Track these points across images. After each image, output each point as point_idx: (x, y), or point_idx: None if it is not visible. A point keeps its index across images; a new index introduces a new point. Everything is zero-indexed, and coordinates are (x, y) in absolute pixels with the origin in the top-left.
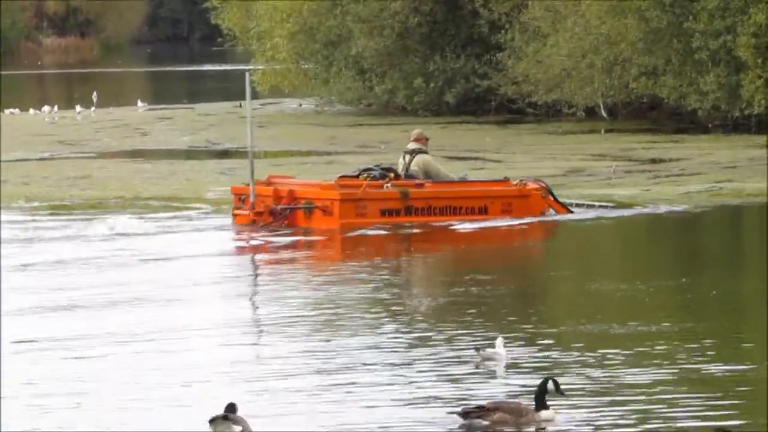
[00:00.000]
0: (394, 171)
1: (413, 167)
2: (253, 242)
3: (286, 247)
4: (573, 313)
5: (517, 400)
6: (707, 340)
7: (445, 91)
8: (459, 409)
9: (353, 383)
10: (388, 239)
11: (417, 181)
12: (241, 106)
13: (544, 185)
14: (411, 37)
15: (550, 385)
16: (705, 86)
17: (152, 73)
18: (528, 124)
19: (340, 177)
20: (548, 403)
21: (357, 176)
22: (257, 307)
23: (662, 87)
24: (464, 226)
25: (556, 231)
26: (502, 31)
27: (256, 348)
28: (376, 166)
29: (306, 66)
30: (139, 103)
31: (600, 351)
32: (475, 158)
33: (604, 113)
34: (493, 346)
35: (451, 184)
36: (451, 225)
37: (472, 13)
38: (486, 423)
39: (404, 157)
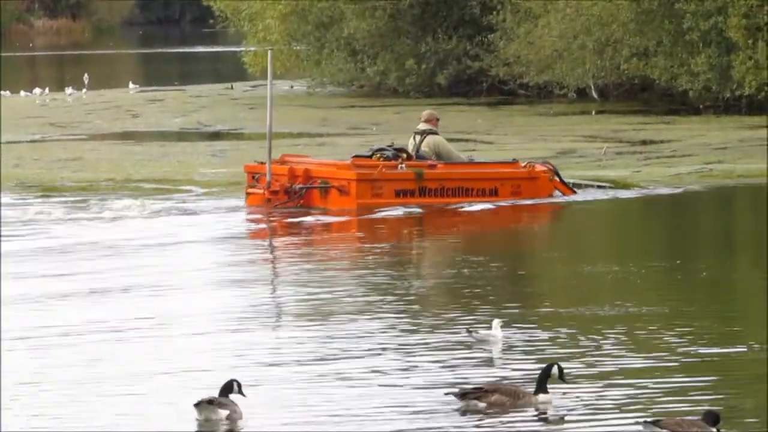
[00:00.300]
0: (406, 151)
1: (424, 148)
2: (258, 225)
3: (295, 227)
4: (567, 295)
5: (514, 383)
6: (698, 323)
7: (437, 73)
8: (456, 390)
9: (349, 367)
10: (401, 222)
11: (429, 162)
12: (232, 87)
13: (551, 167)
14: (403, 18)
15: (555, 370)
16: (696, 67)
17: (144, 55)
18: (519, 105)
19: (354, 156)
20: (548, 388)
21: (370, 156)
22: (248, 295)
23: (653, 68)
24: (474, 208)
25: (560, 213)
26: (494, 13)
27: (246, 335)
28: (388, 146)
29: (298, 47)
30: (131, 85)
31: (592, 334)
32: (467, 140)
33: (595, 94)
34: (487, 327)
35: (462, 165)
36: (462, 206)
37: None
38: (483, 404)
39: (414, 138)
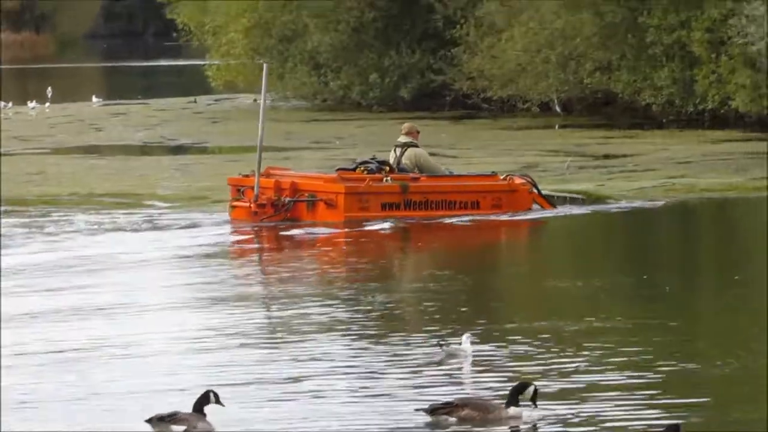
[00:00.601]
0: (389, 164)
1: (405, 161)
2: (217, 242)
3: (272, 242)
4: (532, 310)
5: (484, 398)
6: (661, 338)
7: (401, 87)
8: (426, 406)
9: (319, 384)
10: (384, 236)
11: (412, 175)
12: (195, 101)
13: (529, 179)
14: (366, 32)
15: (530, 389)
16: (659, 81)
17: (107, 68)
18: (483, 119)
19: (339, 170)
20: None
21: (354, 169)
22: (216, 314)
23: (616, 82)
24: (457, 221)
25: (535, 227)
26: (457, 27)
27: (212, 355)
28: (371, 159)
29: (261, 61)
30: (94, 99)
31: (557, 349)
32: (431, 154)
33: (558, 108)
34: (457, 342)
35: (444, 178)
36: (445, 220)
37: (427, 8)
38: (454, 419)
39: (395, 151)
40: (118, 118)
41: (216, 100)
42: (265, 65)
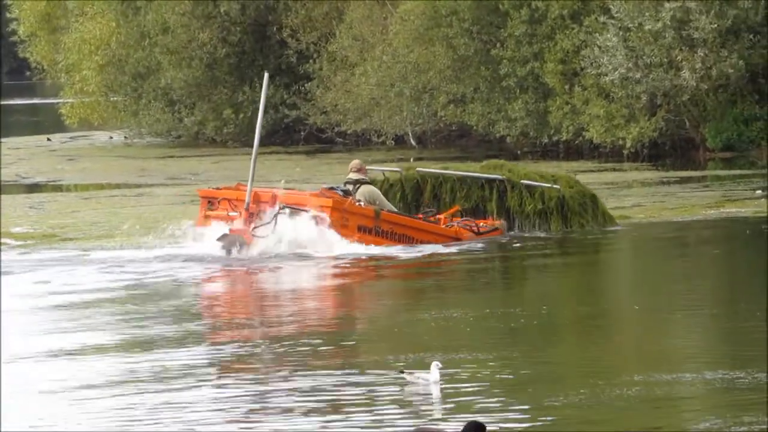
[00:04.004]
0: (352, 194)
1: (359, 197)
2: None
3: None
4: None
5: (442, 427)
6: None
7: (255, 122)
8: None
9: (274, 420)
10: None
11: (375, 208)
12: (50, 139)
13: (470, 223)
14: (220, 67)
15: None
16: (513, 113)
17: None
18: (337, 153)
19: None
20: None
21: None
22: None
23: (471, 114)
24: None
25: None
26: (311, 61)
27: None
28: (336, 187)
29: (115, 98)
30: None
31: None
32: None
33: (413, 142)
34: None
35: (403, 217)
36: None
37: (280, 43)
38: None
39: (346, 187)
40: None
41: (71, 138)
42: (265, 73)
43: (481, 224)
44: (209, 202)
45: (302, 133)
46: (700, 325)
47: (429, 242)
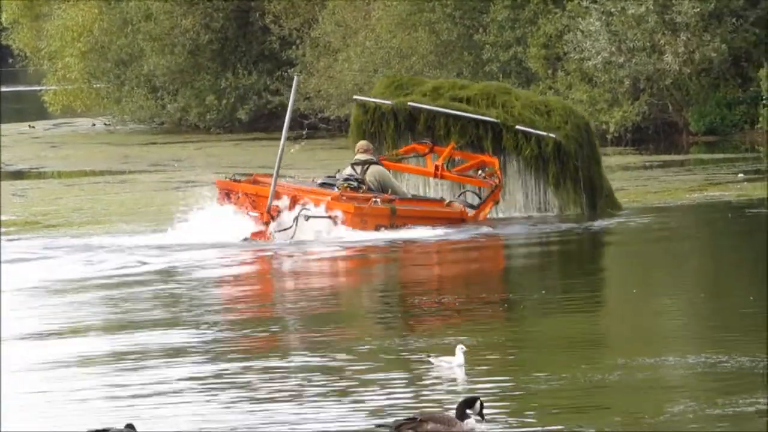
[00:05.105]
0: (365, 182)
1: (369, 178)
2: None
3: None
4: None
5: (447, 412)
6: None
7: (238, 108)
8: (390, 421)
9: (278, 394)
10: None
11: (388, 197)
12: (33, 127)
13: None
14: (202, 54)
15: (477, 405)
16: None
17: None
18: (320, 139)
19: (321, 184)
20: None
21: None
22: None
23: None
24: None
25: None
26: (294, 47)
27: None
28: (349, 175)
29: (98, 85)
30: None
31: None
32: (271, 175)
33: None
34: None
35: (413, 201)
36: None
37: (263, 30)
38: None
39: (354, 168)
40: None
41: (54, 125)
42: (296, 77)
43: (476, 203)
44: (227, 194)
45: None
46: (683, 309)
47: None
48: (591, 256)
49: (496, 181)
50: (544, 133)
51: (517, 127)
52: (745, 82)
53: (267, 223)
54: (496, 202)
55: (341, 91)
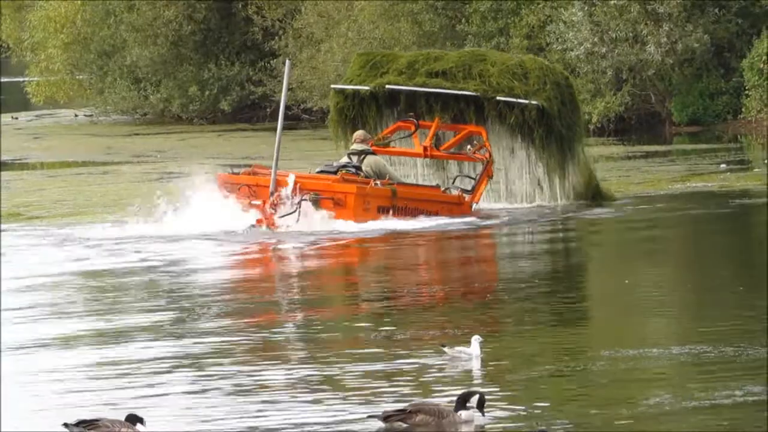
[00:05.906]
0: (362, 170)
1: (366, 168)
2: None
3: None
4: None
5: (437, 402)
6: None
7: (221, 99)
8: (380, 413)
9: (270, 385)
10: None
11: (387, 182)
12: (15, 118)
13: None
14: (185, 45)
15: (476, 399)
16: None
17: None
18: (304, 129)
19: (319, 171)
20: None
21: (335, 173)
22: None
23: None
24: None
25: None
26: (276, 38)
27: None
28: (347, 163)
29: (81, 76)
30: None
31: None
32: (252, 165)
33: None
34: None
35: (412, 186)
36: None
37: (245, 20)
38: (407, 426)
39: (350, 158)
40: None
41: (37, 116)
42: (287, 61)
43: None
44: (232, 187)
45: (268, 110)
46: (667, 300)
47: (437, 213)
48: (573, 247)
49: (486, 155)
50: (526, 101)
51: (498, 98)
52: (727, 73)
53: (271, 207)
54: (490, 177)
55: (324, 82)
